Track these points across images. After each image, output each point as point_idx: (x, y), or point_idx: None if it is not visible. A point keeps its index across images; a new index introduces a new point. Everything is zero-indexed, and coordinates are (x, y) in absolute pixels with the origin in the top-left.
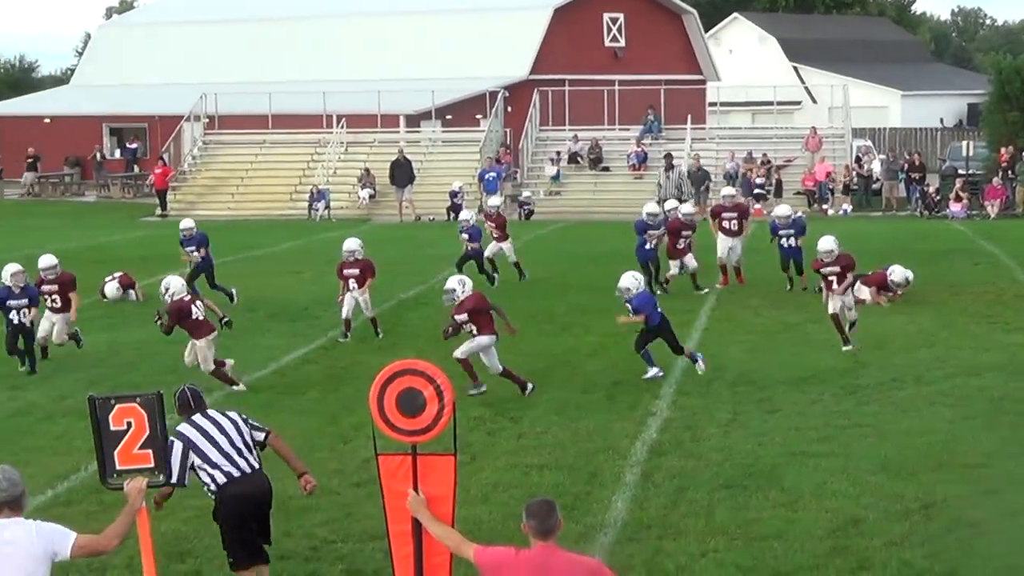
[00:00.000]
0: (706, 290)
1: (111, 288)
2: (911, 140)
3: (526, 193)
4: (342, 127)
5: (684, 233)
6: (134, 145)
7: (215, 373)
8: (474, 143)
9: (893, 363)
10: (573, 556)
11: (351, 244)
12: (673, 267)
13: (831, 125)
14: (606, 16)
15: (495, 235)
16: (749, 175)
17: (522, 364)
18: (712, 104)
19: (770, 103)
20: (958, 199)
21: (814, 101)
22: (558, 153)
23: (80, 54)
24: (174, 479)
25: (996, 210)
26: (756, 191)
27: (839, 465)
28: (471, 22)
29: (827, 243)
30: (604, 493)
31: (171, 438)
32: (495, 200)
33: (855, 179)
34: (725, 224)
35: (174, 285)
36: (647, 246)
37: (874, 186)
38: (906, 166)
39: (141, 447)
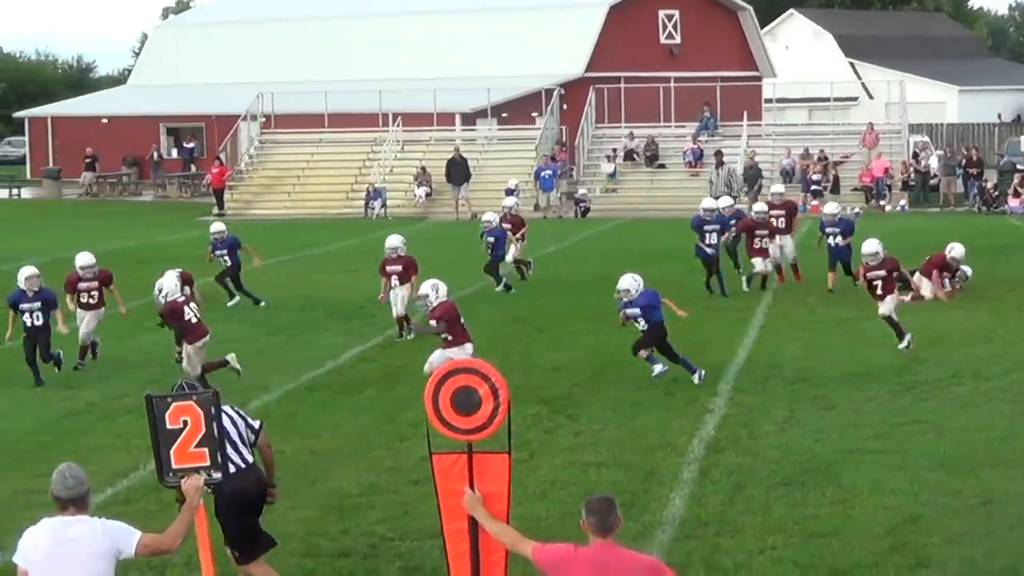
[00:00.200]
0: (747, 290)
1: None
2: (968, 135)
3: (582, 190)
4: (398, 125)
5: (758, 232)
6: (191, 145)
7: (203, 371)
8: (530, 141)
9: (951, 359)
10: (632, 554)
11: (393, 241)
12: (758, 264)
13: (888, 121)
14: (662, 13)
15: (514, 236)
16: (807, 171)
17: (577, 362)
18: (768, 100)
19: (827, 99)
20: (1016, 195)
21: (871, 97)
22: (614, 150)
23: (137, 54)
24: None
25: None
26: (813, 187)
27: (897, 462)
28: (527, 20)
29: (871, 245)
30: (662, 490)
31: None
32: (509, 201)
33: (912, 175)
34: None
35: (167, 286)
36: (708, 245)
37: (932, 182)
38: (964, 162)
39: (197, 445)
